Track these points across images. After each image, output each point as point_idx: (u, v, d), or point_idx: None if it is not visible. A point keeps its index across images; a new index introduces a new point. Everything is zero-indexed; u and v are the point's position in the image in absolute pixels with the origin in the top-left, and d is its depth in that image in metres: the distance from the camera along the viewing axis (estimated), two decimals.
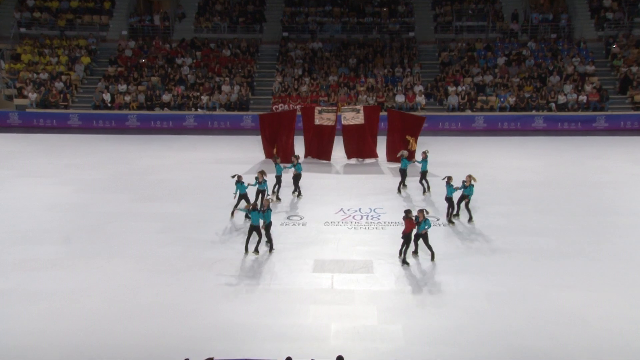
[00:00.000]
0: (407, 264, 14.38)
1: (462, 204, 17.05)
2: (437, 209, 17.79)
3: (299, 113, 24.52)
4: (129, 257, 14.87)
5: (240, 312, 12.38)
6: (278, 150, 22.73)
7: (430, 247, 14.53)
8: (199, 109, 30.14)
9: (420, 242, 14.60)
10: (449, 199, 16.82)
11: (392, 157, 23.28)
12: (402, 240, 14.49)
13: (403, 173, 19.50)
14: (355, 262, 14.56)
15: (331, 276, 13.88)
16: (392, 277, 13.85)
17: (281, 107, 28.95)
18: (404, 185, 19.63)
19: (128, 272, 14.12)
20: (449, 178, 16.78)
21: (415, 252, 14.81)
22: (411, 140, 22.58)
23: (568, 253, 15.05)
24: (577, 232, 16.29)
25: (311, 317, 12.24)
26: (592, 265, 14.40)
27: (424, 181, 19.22)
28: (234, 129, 29.34)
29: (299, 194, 18.95)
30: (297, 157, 18.95)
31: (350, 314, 12.32)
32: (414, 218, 14.31)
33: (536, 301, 12.76)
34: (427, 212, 14.82)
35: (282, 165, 18.60)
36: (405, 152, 19.80)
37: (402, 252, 14.49)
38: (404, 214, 14.45)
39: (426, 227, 14.33)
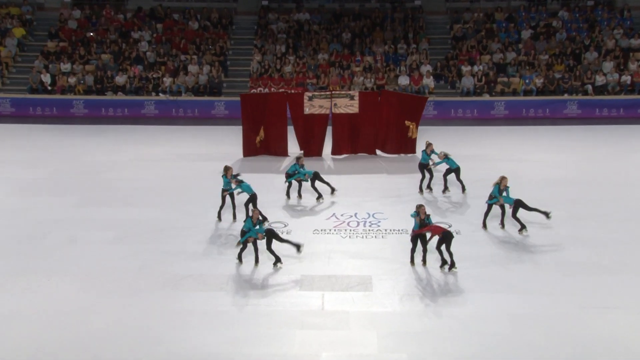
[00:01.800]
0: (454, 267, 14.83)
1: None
2: (460, 214, 17.88)
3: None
4: (75, 274, 14.79)
5: (213, 339, 12.36)
6: (268, 141, 22.83)
7: (441, 253, 14.86)
8: (160, 94, 30.09)
9: (437, 247, 14.88)
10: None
11: (387, 148, 23.41)
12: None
13: (422, 168, 19.54)
14: (351, 278, 14.58)
15: (321, 295, 13.90)
16: (395, 295, 13.89)
17: (260, 91, 28.93)
18: (429, 188, 19.68)
19: (74, 292, 14.04)
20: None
21: (423, 260, 15.08)
22: (411, 127, 22.69)
23: (608, 267, 15.15)
24: (619, 242, 16.39)
25: (298, 344, 12.25)
26: (637, 282, 14.49)
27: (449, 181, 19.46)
28: (204, 117, 29.31)
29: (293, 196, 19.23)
30: (301, 158, 19.13)
31: (344, 341, 12.33)
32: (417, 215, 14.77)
33: (569, 325, 12.82)
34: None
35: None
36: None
37: (441, 260, 14.89)
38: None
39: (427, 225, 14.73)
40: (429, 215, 14.98)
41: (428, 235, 14.83)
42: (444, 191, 19.48)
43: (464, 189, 19.46)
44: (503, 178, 16.78)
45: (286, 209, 18.62)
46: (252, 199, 17.17)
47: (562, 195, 19.51)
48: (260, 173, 21.18)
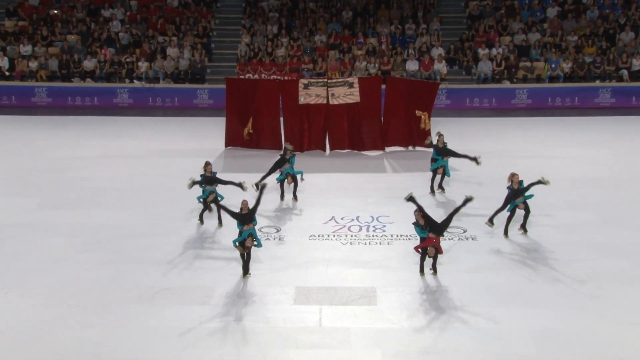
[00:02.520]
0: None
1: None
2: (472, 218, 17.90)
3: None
4: (36, 287, 14.72)
5: None
6: (258, 134, 22.83)
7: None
8: (135, 81, 30.09)
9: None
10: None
11: (393, 142, 23.41)
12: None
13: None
14: (352, 290, 14.55)
15: (319, 310, 13.87)
16: (403, 310, 13.85)
17: (249, 77, 28.92)
18: (441, 188, 19.72)
19: (34, 308, 13.96)
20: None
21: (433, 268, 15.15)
22: (423, 117, 22.70)
23: None
24: None
25: None
26: None
27: None
28: (185, 107, 29.40)
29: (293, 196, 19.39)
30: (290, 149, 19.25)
31: None
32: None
33: (602, 344, 12.77)
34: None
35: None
36: (430, 139, 19.80)
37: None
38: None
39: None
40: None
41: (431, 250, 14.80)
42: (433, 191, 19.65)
43: (434, 190, 19.54)
44: (513, 175, 16.76)
45: (279, 211, 18.60)
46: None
47: (593, 196, 19.50)
48: (248, 172, 21.04)
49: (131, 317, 13.58)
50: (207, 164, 17.55)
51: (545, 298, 14.29)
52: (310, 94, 23.19)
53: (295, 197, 19.31)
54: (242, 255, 14.99)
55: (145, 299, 14.24)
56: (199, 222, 17.64)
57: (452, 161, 19.75)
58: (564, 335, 12.99)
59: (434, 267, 15.10)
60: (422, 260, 15.06)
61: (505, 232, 17.00)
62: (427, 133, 23.02)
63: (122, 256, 16.08)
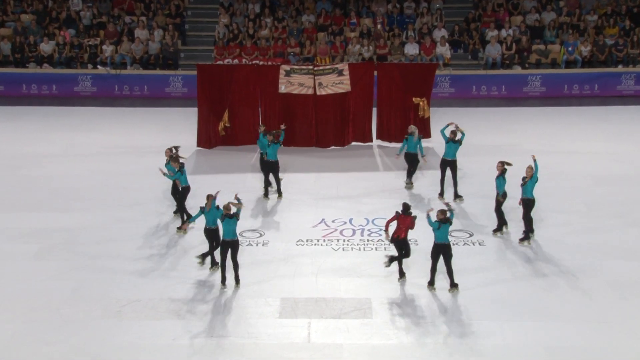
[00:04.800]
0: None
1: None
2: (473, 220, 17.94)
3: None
4: None
5: None
6: (235, 129, 22.86)
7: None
8: (99, 67, 29.97)
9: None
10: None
11: (389, 135, 23.43)
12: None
13: (444, 166, 19.34)
14: (345, 302, 14.56)
15: (308, 323, 13.89)
16: (401, 323, 13.88)
17: (228, 62, 28.87)
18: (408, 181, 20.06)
19: None
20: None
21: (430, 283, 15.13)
22: (421, 104, 22.72)
23: None
24: None
25: None
26: None
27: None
28: (156, 97, 29.28)
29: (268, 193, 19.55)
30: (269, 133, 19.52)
31: None
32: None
33: None
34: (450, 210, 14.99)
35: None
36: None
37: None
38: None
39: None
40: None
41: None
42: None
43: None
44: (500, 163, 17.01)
45: (262, 214, 18.57)
46: (184, 192, 17.54)
47: (616, 196, 19.57)
48: (226, 173, 21.11)
49: (95, 334, 13.51)
50: (175, 148, 18.05)
51: (560, 310, 14.31)
52: (293, 82, 23.08)
53: (279, 194, 19.37)
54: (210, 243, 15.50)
55: (112, 312, 14.18)
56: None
57: (463, 163, 19.80)
58: (582, 351, 13.03)
59: (451, 282, 14.88)
60: (433, 271, 14.91)
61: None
62: (427, 122, 23.05)
63: (85, 265, 16.01)
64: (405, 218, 15.05)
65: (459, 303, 14.57)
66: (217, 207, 15.24)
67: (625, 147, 23.59)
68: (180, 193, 17.63)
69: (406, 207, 15.17)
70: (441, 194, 19.29)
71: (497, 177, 16.91)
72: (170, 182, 17.89)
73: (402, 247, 15.14)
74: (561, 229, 17.63)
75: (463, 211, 18.65)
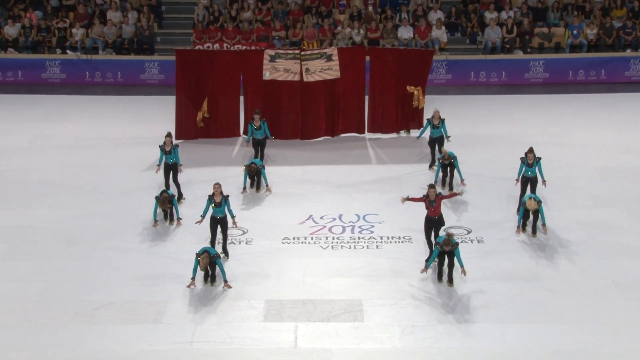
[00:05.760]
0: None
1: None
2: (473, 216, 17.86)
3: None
4: None
5: None
6: (215, 119, 22.95)
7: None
8: (68, 51, 29.87)
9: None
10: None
11: (382, 126, 23.38)
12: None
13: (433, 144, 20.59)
14: (334, 304, 14.56)
15: (294, 327, 13.89)
16: (395, 327, 13.84)
17: (208, 47, 28.79)
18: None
19: None
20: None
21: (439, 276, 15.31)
22: (416, 93, 22.72)
23: None
24: None
25: None
26: None
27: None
28: (130, 84, 29.24)
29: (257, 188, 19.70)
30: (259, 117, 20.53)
31: None
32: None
33: None
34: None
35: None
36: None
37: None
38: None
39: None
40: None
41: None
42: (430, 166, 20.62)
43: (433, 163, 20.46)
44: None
45: (245, 210, 18.47)
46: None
47: (625, 190, 19.53)
48: (207, 166, 21.00)
49: (66, 339, 13.48)
50: (169, 135, 18.81)
51: (566, 312, 14.30)
52: (278, 68, 23.00)
53: (267, 188, 19.40)
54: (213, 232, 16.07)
55: (84, 316, 14.13)
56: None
57: (460, 155, 19.66)
58: (588, 355, 13.02)
59: (450, 277, 15.11)
60: (440, 265, 15.14)
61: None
62: (421, 112, 23.00)
63: (56, 264, 15.96)
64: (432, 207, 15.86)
65: (456, 304, 14.54)
66: (227, 196, 16.25)
67: (634, 137, 23.49)
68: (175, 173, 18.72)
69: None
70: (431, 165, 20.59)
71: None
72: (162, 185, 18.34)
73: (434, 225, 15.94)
74: (566, 225, 17.57)
75: (460, 206, 18.61)
